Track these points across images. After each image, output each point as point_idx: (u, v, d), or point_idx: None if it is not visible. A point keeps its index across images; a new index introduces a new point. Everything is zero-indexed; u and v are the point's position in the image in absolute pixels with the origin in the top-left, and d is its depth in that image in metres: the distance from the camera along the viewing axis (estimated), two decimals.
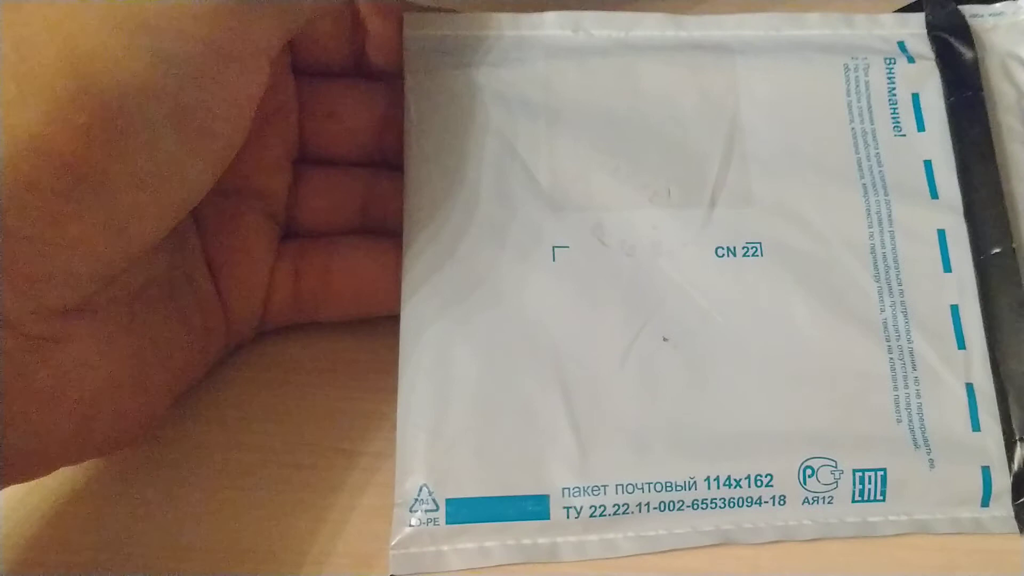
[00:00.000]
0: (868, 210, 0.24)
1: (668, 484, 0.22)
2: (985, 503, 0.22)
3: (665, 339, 0.23)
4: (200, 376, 0.25)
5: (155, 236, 0.20)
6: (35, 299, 0.19)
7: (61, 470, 0.22)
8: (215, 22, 0.19)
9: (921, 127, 0.25)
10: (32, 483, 0.24)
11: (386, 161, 0.27)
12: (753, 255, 0.24)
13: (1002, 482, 0.22)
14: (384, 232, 0.26)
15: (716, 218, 0.24)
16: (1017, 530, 0.22)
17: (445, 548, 0.22)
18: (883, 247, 0.24)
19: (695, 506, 0.22)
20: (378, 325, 0.26)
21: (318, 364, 0.26)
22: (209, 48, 0.19)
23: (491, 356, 0.23)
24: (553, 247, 0.24)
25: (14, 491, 0.24)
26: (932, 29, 0.26)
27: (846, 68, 0.26)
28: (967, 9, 0.27)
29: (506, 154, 0.25)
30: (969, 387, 0.23)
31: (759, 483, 0.22)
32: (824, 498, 0.22)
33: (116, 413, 0.22)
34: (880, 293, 0.24)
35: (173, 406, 0.24)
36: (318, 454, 0.24)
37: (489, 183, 0.25)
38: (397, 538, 0.22)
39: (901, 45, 0.26)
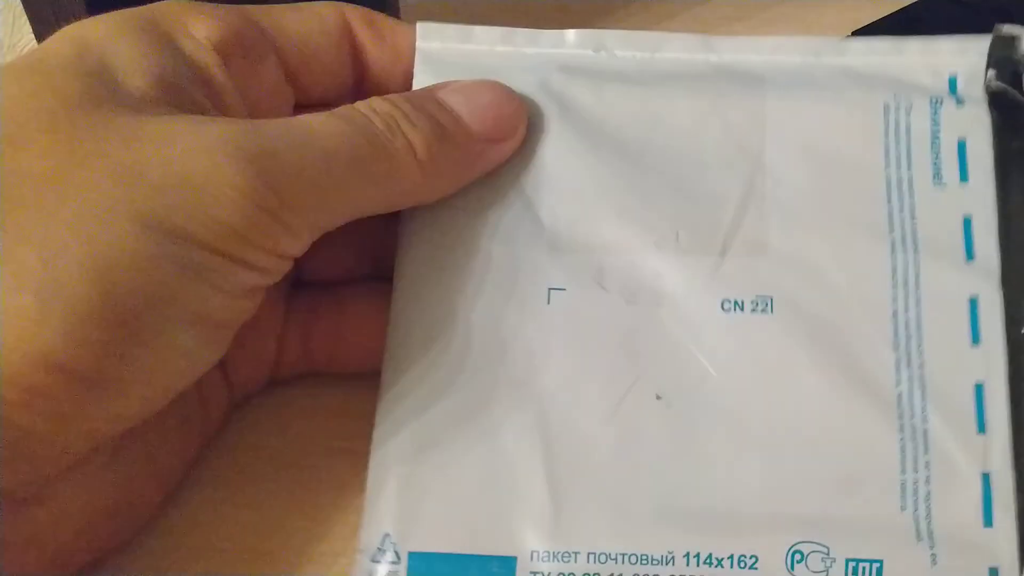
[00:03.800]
0: (894, 270, 0.22)
1: (644, 557, 0.21)
2: None
3: (658, 397, 0.22)
4: (194, 459, 0.24)
5: (159, 408, 0.20)
6: (31, 474, 0.18)
7: None
8: (245, 240, 0.19)
9: (964, 177, 0.23)
10: None
11: None
12: (763, 311, 0.22)
13: None
14: None
15: (726, 268, 0.23)
16: None
17: None
18: (906, 312, 0.22)
19: None
20: None
21: None
22: (234, 260, 0.19)
23: (472, 405, 0.22)
24: (549, 289, 0.23)
25: None
26: (991, 65, 0.24)
27: (886, 109, 0.23)
28: None
29: (510, 185, 0.24)
30: (985, 477, 0.21)
31: (743, 564, 0.21)
32: None
33: (97, 544, 0.21)
34: (897, 364, 0.22)
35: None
36: (318, 454, 0.24)
37: (490, 217, 0.23)
38: None
39: (952, 82, 0.24)
